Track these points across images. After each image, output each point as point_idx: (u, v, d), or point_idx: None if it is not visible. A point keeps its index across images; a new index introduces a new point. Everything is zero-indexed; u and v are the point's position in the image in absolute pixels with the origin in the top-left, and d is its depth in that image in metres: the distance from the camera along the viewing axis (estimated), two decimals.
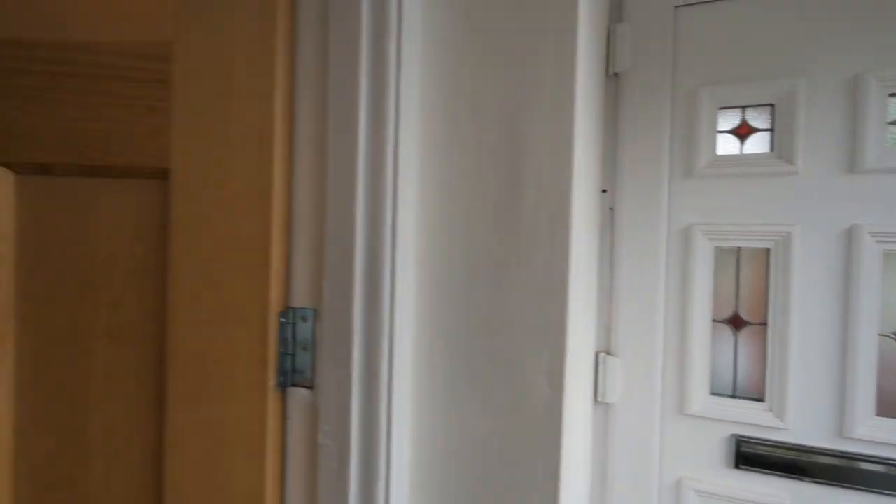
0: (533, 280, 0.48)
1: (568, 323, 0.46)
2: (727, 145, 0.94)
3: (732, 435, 0.89)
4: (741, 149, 0.92)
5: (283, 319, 0.53)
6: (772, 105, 0.89)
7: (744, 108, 0.92)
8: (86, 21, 0.50)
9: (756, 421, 0.87)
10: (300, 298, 0.54)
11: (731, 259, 0.92)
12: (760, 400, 0.88)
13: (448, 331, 0.52)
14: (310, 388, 0.54)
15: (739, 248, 0.91)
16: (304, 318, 0.54)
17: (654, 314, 0.94)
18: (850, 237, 0.82)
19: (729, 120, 0.94)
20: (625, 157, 0.95)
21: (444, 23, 0.51)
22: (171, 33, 0.50)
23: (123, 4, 0.50)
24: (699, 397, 0.92)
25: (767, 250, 0.88)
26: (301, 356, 0.54)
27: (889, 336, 0.80)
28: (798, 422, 0.84)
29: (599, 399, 0.97)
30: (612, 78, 0.97)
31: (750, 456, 0.87)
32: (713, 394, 0.92)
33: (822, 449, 0.82)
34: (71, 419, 0.52)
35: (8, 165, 0.51)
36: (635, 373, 0.96)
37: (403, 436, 0.51)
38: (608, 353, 0.97)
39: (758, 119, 0.92)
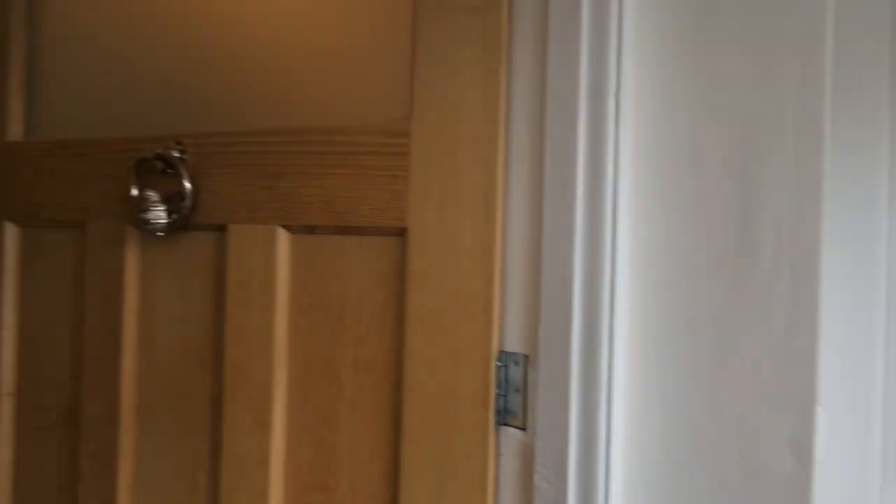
0: (770, 341, 0.46)
1: (818, 389, 0.43)
2: None
3: None
4: None
5: (498, 363, 0.58)
6: None
7: None
8: (343, 109, 0.62)
9: None
10: (512, 344, 0.58)
11: None
12: None
13: (665, 386, 0.51)
14: (521, 428, 0.58)
15: None
16: (515, 362, 0.58)
17: (872, 362, 0.81)
18: None
19: None
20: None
21: (662, 70, 0.52)
22: (409, 112, 0.59)
23: (372, 94, 0.61)
24: None
25: None
26: (512, 397, 0.58)
27: None
28: None
29: None
30: None
31: None
32: None
33: None
34: (326, 436, 0.63)
35: (287, 227, 0.65)
36: (845, 428, 0.83)
37: (619, 488, 0.52)
38: None
39: None
